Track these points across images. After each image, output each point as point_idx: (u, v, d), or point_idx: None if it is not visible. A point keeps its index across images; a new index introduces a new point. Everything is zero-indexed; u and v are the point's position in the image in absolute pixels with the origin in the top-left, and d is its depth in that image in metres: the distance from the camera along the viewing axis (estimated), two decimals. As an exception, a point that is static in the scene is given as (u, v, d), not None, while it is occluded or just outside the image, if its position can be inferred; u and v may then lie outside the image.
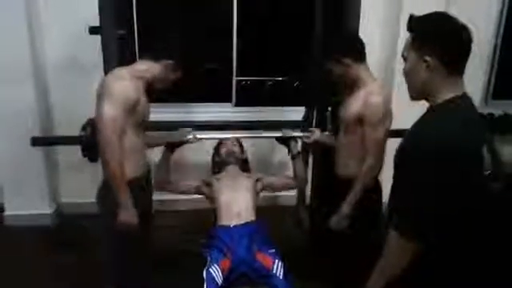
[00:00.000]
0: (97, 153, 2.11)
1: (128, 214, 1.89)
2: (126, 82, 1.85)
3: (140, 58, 2.01)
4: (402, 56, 1.38)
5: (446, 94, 1.29)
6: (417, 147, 1.30)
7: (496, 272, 1.85)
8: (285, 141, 2.52)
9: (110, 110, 1.78)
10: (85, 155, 2.20)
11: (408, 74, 1.37)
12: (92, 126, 2.11)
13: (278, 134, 2.52)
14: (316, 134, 2.44)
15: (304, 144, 2.57)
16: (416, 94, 1.37)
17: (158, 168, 2.38)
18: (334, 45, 2.17)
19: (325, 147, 2.45)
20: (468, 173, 1.26)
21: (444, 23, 1.30)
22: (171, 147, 2.41)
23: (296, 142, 2.51)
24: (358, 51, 2.09)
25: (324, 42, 2.62)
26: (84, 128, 2.20)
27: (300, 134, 2.50)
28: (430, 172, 1.24)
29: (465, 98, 1.32)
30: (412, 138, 1.35)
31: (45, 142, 2.78)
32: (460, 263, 1.36)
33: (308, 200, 3.09)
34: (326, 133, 2.56)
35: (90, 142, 2.13)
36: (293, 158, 2.50)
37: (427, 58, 1.27)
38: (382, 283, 1.38)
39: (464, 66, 1.31)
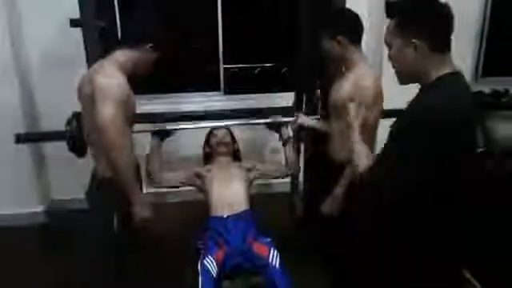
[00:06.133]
0: (84, 147, 2.08)
1: (145, 210, 1.89)
2: (116, 79, 1.80)
3: (119, 47, 1.92)
4: (385, 42, 1.38)
5: (436, 73, 1.30)
6: (405, 124, 1.31)
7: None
8: (275, 127, 2.51)
9: (110, 112, 1.72)
10: (72, 150, 2.15)
11: (396, 60, 1.37)
12: (77, 119, 2.05)
13: (268, 121, 2.51)
14: (300, 118, 2.42)
15: (295, 130, 2.54)
16: (406, 78, 1.38)
17: (148, 160, 2.34)
18: (335, 21, 2.06)
19: (313, 132, 2.42)
20: (457, 145, 1.26)
21: (425, 4, 1.31)
22: (159, 136, 2.37)
23: (287, 127, 2.50)
24: (356, 32, 2.03)
25: (313, 26, 2.55)
26: (69, 122, 2.13)
27: (288, 120, 2.48)
28: (419, 146, 1.24)
29: (455, 74, 1.32)
30: (401, 117, 1.35)
31: (29, 138, 2.72)
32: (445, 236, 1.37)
33: (301, 186, 3.08)
34: (315, 117, 2.52)
35: (76, 136, 2.08)
36: (284, 143, 2.49)
37: (414, 41, 1.28)
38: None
39: (449, 43, 1.31)
